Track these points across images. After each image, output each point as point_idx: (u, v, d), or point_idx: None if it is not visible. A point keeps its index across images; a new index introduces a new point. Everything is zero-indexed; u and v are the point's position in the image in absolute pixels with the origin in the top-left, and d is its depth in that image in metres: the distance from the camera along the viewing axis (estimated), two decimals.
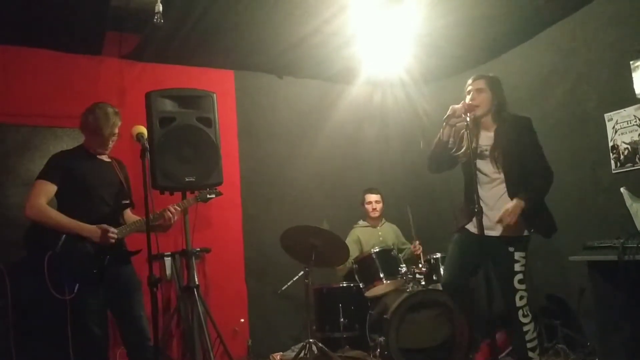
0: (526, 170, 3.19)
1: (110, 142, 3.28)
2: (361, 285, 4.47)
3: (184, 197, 4.14)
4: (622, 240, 3.29)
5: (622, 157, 4.07)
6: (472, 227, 3.28)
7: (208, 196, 3.64)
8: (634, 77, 3.95)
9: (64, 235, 2.98)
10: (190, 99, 4.26)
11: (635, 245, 3.22)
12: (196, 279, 4.25)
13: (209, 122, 4.24)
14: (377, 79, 5.61)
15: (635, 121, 3.99)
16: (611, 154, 4.14)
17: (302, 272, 4.33)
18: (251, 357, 4.87)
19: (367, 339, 4.35)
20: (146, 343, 3.15)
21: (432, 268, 4.42)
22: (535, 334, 3.20)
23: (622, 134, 4.07)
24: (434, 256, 4.46)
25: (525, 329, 3.17)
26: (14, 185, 4.23)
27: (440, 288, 4.28)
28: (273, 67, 5.34)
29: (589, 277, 3.61)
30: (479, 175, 3.26)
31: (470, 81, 3.38)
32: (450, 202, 5.09)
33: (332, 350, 4.17)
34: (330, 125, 5.61)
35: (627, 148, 4.03)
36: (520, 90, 4.99)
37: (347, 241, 4.69)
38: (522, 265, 3.19)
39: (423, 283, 4.35)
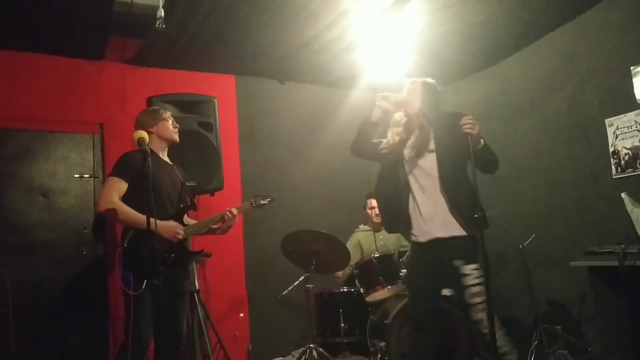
0: (458, 168, 3.09)
1: (175, 132, 3.40)
2: (362, 290, 4.46)
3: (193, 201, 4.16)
4: (622, 246, 3.29)
5: (622, 162, 4.07)
6: (415, 237, 3.21)
7: (262, 202, 3.64)
8: (635, 83, 3.95)
9: (131, 231, 3.04)
10: (192, 104, 4.28)
11: (636, 251, 3.23)
12: (197, 284, 4.26)
13: (210, 127, 4.26)
14: (378, 85, 5.60)
15: (636, 126, 3.99)
16: (612, 159, 4.15)
17: (302, 277, 4.32)
18: None
19: (368, 344, 4.34)
20: (179, 347, 3.25)
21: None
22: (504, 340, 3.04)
23: (622, 139, 4.07)
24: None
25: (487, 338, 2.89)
26: (16, 190, 4.25)
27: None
28: (274, 72, 5.35)
29: (590, 282, 3.62)
30: (417, 179, 3.20)
31: (412, 79, 3.38)
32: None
33: (332, 356, 4.17)
34: (331, 130, 5.61)
35: (628, 153, 4.04)
36: (521, 96, 5.00)
37: (348, 245, 4.68)
38: (475, 278, 2.95)
39: None
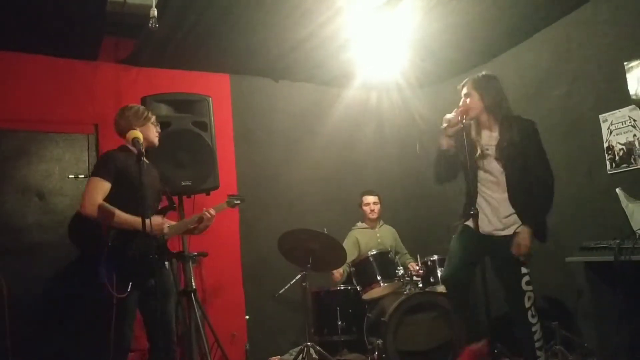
0: (528, 175, 3.16)
1: (155, 136, 3.37)
2: (358, 288, 4.47)
3: (180, 201, 4.15)
4: (618, 241, 3.30)
5: (617, 157, 4.08)
6: (483, 224, 3.26)
7: (235, 202, 3.64)
8: (629, 78, 3.97)
9: (112, 232, 2.98)
10: (186, 104, 4.27)
11: (631, 246, 3.24)
12: (193, 283, 4.25)
13: (204, 126, 4.25)
14: (373, 83, 5.63)
15: (630, 122, 4.00)
16: (606, 155, 4.16)
17: (299, 276, 4.32)
18: None
19: (365, 342, 4.35)
20: (172, 346, 3.21)
21: (429, 270, 4.42)
22: (541, 334, 3.20)
23: (617, 134, 4.09)
24: (431, 258, 4.46)
25: (533, 329, 3.16)
26: (10, 191, 4.23)
27: (438, 290, 4.30)
28: (269, 70, 5.35)
29: (585, 278, 3.62)
30: (485, 175, 3.26)
31: (461, 85, 3.39)
32: (446, 204, 5.09)
33: (330, 354, 4.17)
34: (326, 128, 5.62)
35: (622, 149, 4.05)
36: (516, 92, 4.99)
37: (345, 243, 4.69)
38: (528, 266, 3.18)
39: (420, 285, 4.35)
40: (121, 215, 3.00)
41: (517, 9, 4.28)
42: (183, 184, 4.08)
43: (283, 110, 5.55)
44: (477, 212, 3.02)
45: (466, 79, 3.40)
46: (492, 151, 3.23)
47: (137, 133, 2.95)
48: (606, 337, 3.65)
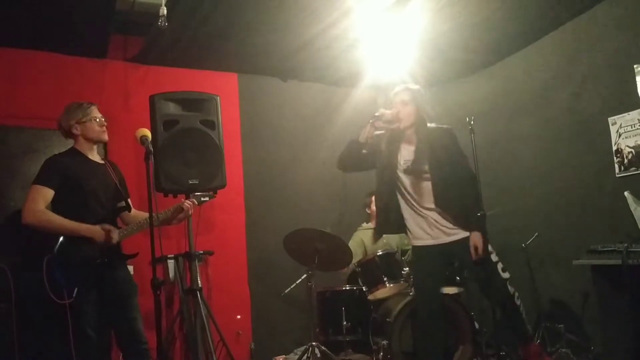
0: (452, 180, 3.22)
1: (102, 132, 3.25)
2: (364, 288, 4.45)
3: (187, 199, 4.15)
4: (625, 245, 3.28)
5: (626, 160, 4.06)
6: (423, 241, 3.33)
7: (202, 199, 3.60)
8: (638, 81, 3.94)
9: (61, 238, 2.94)
10: (194, 102, 4.28)
11: (639, 250, 3.22)
12: (199, 282, 4.26)
13: (212, 125, 4.26)
14: (381, 83, 5.61)
15: (639, 125, 3.98)
16: (615, 158, 4.14)
17: (305, 275, 4.32)
18: None
19: (370, 343, 4.34)
20: (141, 347, 3.12)
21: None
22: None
23: (626, 137, 4.06)
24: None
25: (521, 310, 3.34)
26: (18, 188, 4.24)
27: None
28: (277, 70, 5.35)
29: (593, 281, 3.61)
30: (405, 187, 3.32)
31: (395, 91, 3.40)
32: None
33: (334, 354, 4.17)
34: (334, 128, 5.60)
35: (631, 152, 4.03)
36: (524, 94, 4.99)
37: (350, 244, 4.68)
38: (496, 255, 3.35)
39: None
40: (61, 223, 2.95)
41: (527, 10, 4.27)
42: (190, 182, 4.09)
43: (290, 109, 5.55)
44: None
45: (403, 87, 3.41)
46: (409, 166, 3.26)
47: (145, 131, 2.95)
48: (612, 341, 3.63)
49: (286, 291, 4.57)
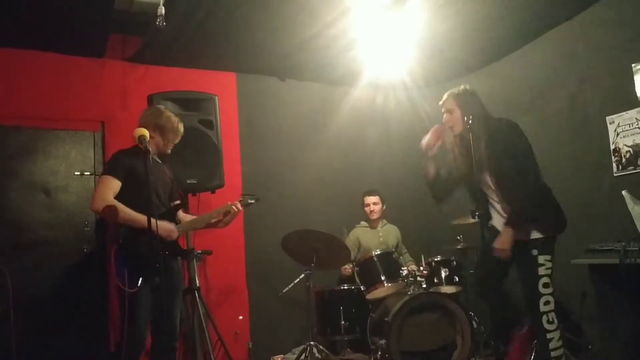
0: (513, 174, 3.15)
1: (170, 148, 3.40)
2: (362, 287, 4.47)
3: (185, 198, 4.15)
4: (623, 244, 3.29)
5: (623, 160, 4.06)
6: (497, 224, 3.30)
7: (249, 201, 3.63)
8: (636, 80, 3.95)
9: (123, 229, 3.03)
10: (193, 102, 4.28)
11: (636, 249, 3.23)
12: (197, 281, 4.26)
13: (210, 124, 4.26)
14: (379, 82, 5.62)
15: (637, 124, 3.98)
16: (613, 157, 4.14)
17: (303, 275, 4.33)
18: (252, 359, 4.87)
19: (368, 342, 4.35)
20: (173, 343, 3.25)
21: (433, 271, 4.41)
22: (560, 343, 3.08)
23: (624, 136, 4.07)
24: (435, 259, 4.45)
25: (549, 336, 3.06)
26: (16, 188, 4.25)
27: (442, 290, 4.30)
28: (275, 69, 5.35)
29: (590, 280, 3.62)
30: (484, 185, 3.29)
31: (442, 101, 3.39)
32: (452, 205, 5.07)
33: (333, 353, 4.19)
34: (332, 128, 5.62)
35: (629, 151, 4.03)
36: (522, 93, 4.99)
37: (346, 241, 4.69)
38: (547, 269, 3.12)
39: (424, 286, 4.34)
40: (129, 213, 3.05)
41: (524, 10, 4.26)
42: (189, 182, 4.10)
43: (289, 109, 5.55)
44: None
45: (448, 94, 3.39)
46: (479, 164, 3.22)
47: (143, 131, 2.96)
48: (611, 340, 3.64)
49: (284, 291, 4.57)
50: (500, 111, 5.10)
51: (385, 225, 5.14)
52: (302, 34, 4.47)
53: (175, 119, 3.38)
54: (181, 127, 3.41)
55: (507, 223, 3.10)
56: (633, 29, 4.03)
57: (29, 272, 4.05)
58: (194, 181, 4.10)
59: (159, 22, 3.58)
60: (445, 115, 3.36)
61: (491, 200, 3.32)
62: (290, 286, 4.61)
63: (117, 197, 3.09)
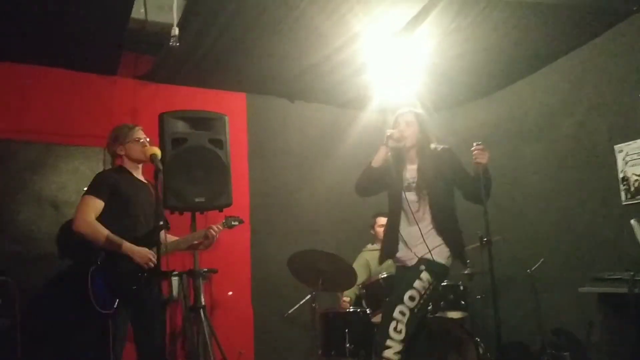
0: (452, 203, 3.26)
1: (142, 152, 3.35)
2: (368, 310, 4.43)
3: (193, 217, 4.16)
4: (632, 273, 3.27)
5: (632, 188, 4.06)
6: (399, 262, 3.35)
7: (232, 223, 3.65)
8: None
9: (103, 252, 3.04)
10: (203, 121, 4.30)
11: None
12: (202, 300, 4.25)
13: (220, 144, 4.27)
14: (389, 106, 5.64)
15: None
16: (621, 186, 4.14)
17: (309, 296, 4.30)
18: None
19: None
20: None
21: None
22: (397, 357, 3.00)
23: (632, 165, 4.07)
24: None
25: (388, 343, 3.00)
26: (26, 202, 4.27)
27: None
28: (285, 91, 5.40)
29: (598, 309, 3.58)
30: (407, 209, 3.28)
31: (399, 113, 3.43)
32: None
33: None
34: (340, 150, 5.64)
35: (638, 179, 4.03)
36: (530, 121, 5.01)
37: (355, 265, 4.66)
38: (422, 287, 3.07)
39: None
40: (110, 236, 3.05)
41: (534, 37, 4.31)
42: (197, 200, 4.09)
43: (298, 130, 5.59)
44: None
45: (408, 109, 3.45)
46: (414, 185, 3.26)
47: (155, 149, 2.98)
48: None
49: (290, 312, 4.54)
50: (508, 137, 5.17)
51: None
52: (312, 58, 4.53)
53: (124, 127, 3.41)
54: (132, 131, 3.40)
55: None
56: (637, 60, 4.05)
57: (36, 286, 4.05)
58: (202, 199, 4.10)
59: (172, 42, 3.63)
60: (401, 125, 3.36)
61: (402, 226, 3.31)
62: (295, 307, 4.58)
63: (100, 217, 3.09)
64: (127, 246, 3.08)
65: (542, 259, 4.35)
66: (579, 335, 4.33)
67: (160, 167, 2.88)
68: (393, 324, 3.03)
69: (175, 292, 4.65)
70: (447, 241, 3.18)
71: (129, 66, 4.77)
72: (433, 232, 3.20)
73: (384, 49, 4.37)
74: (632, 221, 3.75)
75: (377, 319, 4.37)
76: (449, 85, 5.13)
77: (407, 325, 3.02)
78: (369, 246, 5.08)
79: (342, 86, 5.16)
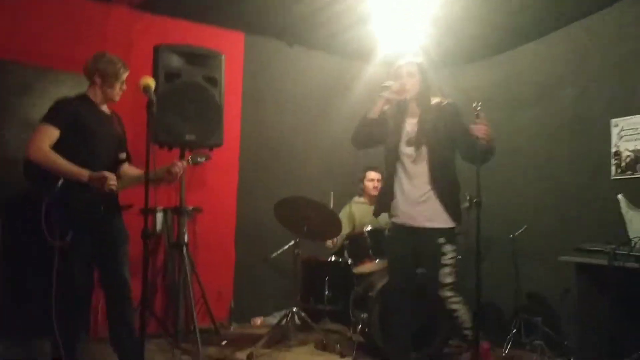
0: (448, 160, 3.19)
1: (118, 94, 3.24)
2: (350, 261, 4.48)
3: (182, 154, 4.12)
4: (613, 246, 3.30)
5: (623, 163, 4.07)
6: (398, 219, 3.27)
7: (198, 159, 3.55)
8: None
9: (61, 181, 2.94)
10: (199, 57, 4.21)
11: (625, 253, 3.25)
12: (186, 237, 4.27)
13: (214, 82, 4.21)
14: (391, 59, 5.52)
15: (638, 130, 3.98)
16: (613, 160, 4.14)
17: (292, 242, 4.33)
18: (233, 319, 4.92)
19: (350, 315, 4.39)
20: (125, 293, 3.14)
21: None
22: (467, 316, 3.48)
23: (626, 140, 4.06)
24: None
25: (458, 313, 3.48)
26: (13, 126, 4.18)
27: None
28: (284, 33, 5.25)
29: (576, 278, 3.64)
30: (404, 163, 3.22)
31: (400, 63, 3.28)
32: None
33: (313, 322, 4.22)
34: (338, 101, 5.57)
35: (630, 155, 4.03)
36: (530, 87, 4.96)
37: (340, 215, 4.69)
38: (450, 259, 3.24)
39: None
40: (63, 164, 2.94)
41: (542, 2, 4.21)
42: (187, 137, 4.06)
43: (296, 77, 5.49)
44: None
45: (409, 59, 3.30)
46: (413, 138, 3.18)
47: (150, 79, 2.89)
48: (587, 339, 3.69)
49: (272, 255, 4.58)
50: (504, 101, 5.12)
51: None
52: (314, 2, 4.39)
53: (118, 63, 3.19)
54: (124, 73, 3.20)
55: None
56: None
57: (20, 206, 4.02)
58: (192, 137, 4.07)
59: None
60: (403, 76, 3.22)
61: (400, 175, 3.25)
62: (278, 252, 4.62)
63: (58, 148, 2.97)
64: (80, 171, 2.95)
65: (525, 226, 4.39)
66: (553, 303, 4.43)
67: (154, 98, 2.80)
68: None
69: (159, 227, 4.65)
70: (447, 206, 3.15)
71: None
72: (432, 194, 3.15)
73: None
74: (619, 196, 3.78)
75: (358, 270, 4.44)
76: (453, 41, 5.02)
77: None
78: (356, 199, 5.09)
79: (343, 35, 5.03)
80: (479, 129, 2.94)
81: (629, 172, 4.02)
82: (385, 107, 3.24)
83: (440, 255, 3.20)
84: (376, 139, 3.34)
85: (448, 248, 3.21)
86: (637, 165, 3.99)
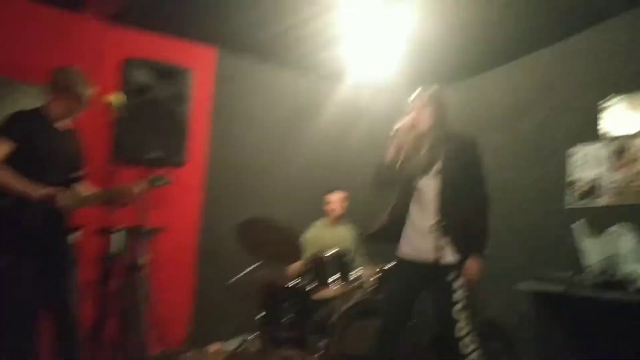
0: (464, 197, 3.08)
1: (76, 111, 3.15)
2: (310, 286, 4.43)
3: (145, 172, 4.02)
4: (570, 274, 3.38)
5: (578, 193, 4.18)
6: (407, 255, 3.21)
7: (156, 182, 3.48)
8: (600, 117, 4.09)
9: (6, 198, 2.84)
10: (168, 72, 4.15)
11: (581, 280, 3.33)
12: (143, 258, 4.14)
13: (182, 99, 4.15)
14: (364, 81, 5.58)
15: (595, 159, 4.11)
16: (568, 189, 4.25)
17: (253, 266, 4.26)
18: (189, 345, 4.77)
19: (309, 341, 4.31)
20: (72, 326, 3.07)
21: (383, 278, 4.42)
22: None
23: (582, 170, 4.19)
24: (386, 266, 4.45)
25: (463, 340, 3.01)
26: None
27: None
28: (257, 51, 5.25)
29: (534, 306, 3.69)
30: (416, 195, 3.19)
31: (414, 95, 3.26)
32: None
33: (272, 348, 4.13)
34: (307, 120, 5.57)
35: (585, 185, 4.14)
36: (496, 112, 5.08)
37: (304, 238, 4.65)
38: (462, 293, 3.05)
39: (373, 290, 4.34)
40: (12, 180, 2.85)
41: (510, 28, 4.37)
42: (150, 155, 3.97)
43: (265, 94, 5.48)
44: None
45: (421, 89, 3.27)
46: (428, 171, 3.14)
47: (115, 96, 2.84)
48: None
49: (232, 280, 4.48)
50: (472, 125, 5.20)
51: (343, 225, 5.10)
52: (288, 19, 4.44)
53: (78, 79, 3.13)
54: (84, 90, 3.12)
55: (474, 252, 3.04)
56: (604, 66, 4.16)
57: None
58: (156, 154, 3.98)
59: None
60: (415, 109, 3.19)
61: (411, 207, 3.21)
62: (238, 276, 4.52)
63: (8, 162, 2.89)
64: (29, 187, 2.87)
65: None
66: (509, 330, 4.46)
67: (120, 114, 2.74)
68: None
69: (114, 248, 4.49)
70: (454, 240, 3.05)
71: (95, 3, 4.52)
72: (442, 228, 3.04)
73: (364, 19, 4.33)
74: (574, 225, 3.87)
75: (318, 295, 4.39)
76: (426, 63, 5.13)
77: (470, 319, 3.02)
78: (318, 222, 5.06)
79: (317, 55, 5.07)
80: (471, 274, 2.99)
81: (583, 202, 4.13)
82: (400, 149, 3.17)
83: (451, 292, 3.02)
84: (394, 180, 3.28)
85: (458, 284, 3.04)
86: (593, 194, 4.10)
